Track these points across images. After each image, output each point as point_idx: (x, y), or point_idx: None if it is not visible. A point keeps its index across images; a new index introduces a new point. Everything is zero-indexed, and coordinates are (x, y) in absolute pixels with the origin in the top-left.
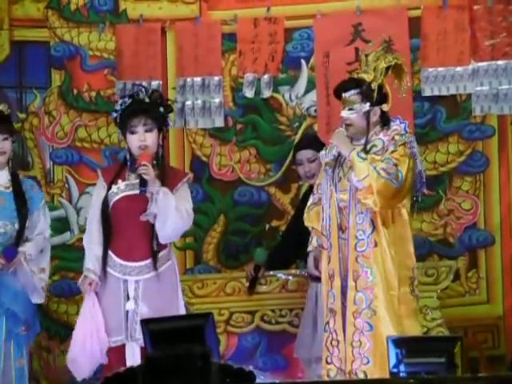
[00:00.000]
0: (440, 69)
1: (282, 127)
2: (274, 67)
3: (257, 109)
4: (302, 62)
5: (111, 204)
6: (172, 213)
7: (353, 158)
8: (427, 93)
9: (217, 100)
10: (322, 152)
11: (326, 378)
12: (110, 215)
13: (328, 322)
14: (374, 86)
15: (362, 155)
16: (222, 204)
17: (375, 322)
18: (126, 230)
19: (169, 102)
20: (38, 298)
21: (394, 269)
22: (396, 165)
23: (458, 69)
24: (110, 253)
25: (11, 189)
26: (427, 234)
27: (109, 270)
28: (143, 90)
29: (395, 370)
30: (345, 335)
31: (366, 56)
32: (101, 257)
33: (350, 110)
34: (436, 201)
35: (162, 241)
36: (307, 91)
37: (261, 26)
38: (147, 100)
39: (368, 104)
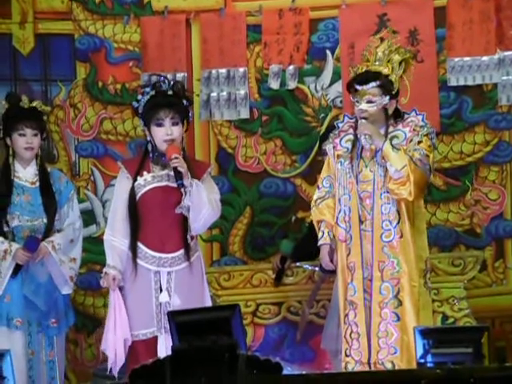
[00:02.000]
0: (466, 58)
1: (307, 118)
2: (299, 58)
3: (282, 100)
4: (328, 52)
5: (138, 196)
6: (205, 204)
7: (387, 148)
8: (453, 83)
9: (242, 92)
10: (330, 145)
11: (344, 371)
12: (137, 207)
13: (347, 315)
14: (394, 78)
15: (396, 145)
16: (248, 196)
17: (401, 312)
18: (157, 222)
19: (189, 94)
20: (67, 289)
21: (415, 261)
22: (427, 155)
23: (484, 58)
24: (139, 244)
25: (38, 184)
26: (454, 225)
27: (139, 261)
28: (166, 81)
29: (422, 361)
30: (370, 327)
31: (376, 48)
32: (125, 250)
33: (369, 102)
34: (462, 191)
35: (194, 232)
36: (332, 82)
37: (286, 17)
38: (170, 92)
39: (388, 97)
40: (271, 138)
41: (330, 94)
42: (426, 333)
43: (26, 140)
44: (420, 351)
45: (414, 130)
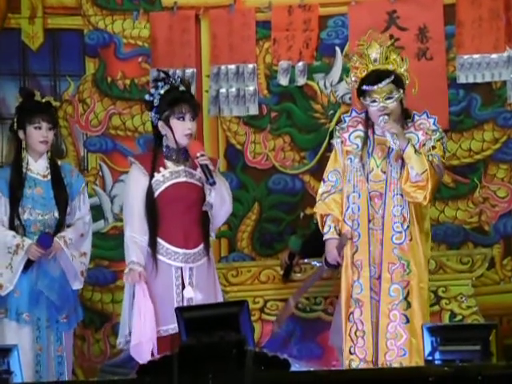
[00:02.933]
0: (475, 56)
1: (316, 115)
2: (308, 55)
3: (291, 96)
4: (337, 49)
5: (158, 192)
6: (226, 200)
7: (410, 151)
8: (462, 80)
9: (251, 88)
10: (337, 139)
11: (352, 368)
12: (156, 203)
13: (352, 313)
14: (403, 71)
15: (417, 149)
16: (257, 192)
17: (410, 314)
18: (179, 218)
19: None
20: (78, 284)
21: (424, 262)
22: (443, 163)
23: (493, 56)
24: (159, 240)
25: (49, 177)
26: (462, 222)
27: (160, 257)
28: (176, 77)
29: (430, 358)
30: (377, 326)
31: (367, 50)
32: (145, 247)
33: (388, 99)
34: (471, 189)
35: (215, 227)
36: (342, 79)
37: (295, 14)
38: (182, 88)
39: (401, 90)
40: (280, 135)
41: (338, 90)
42: (433, 330)
43: (41, 133)
44: (428, 348)
45: (426, 133)
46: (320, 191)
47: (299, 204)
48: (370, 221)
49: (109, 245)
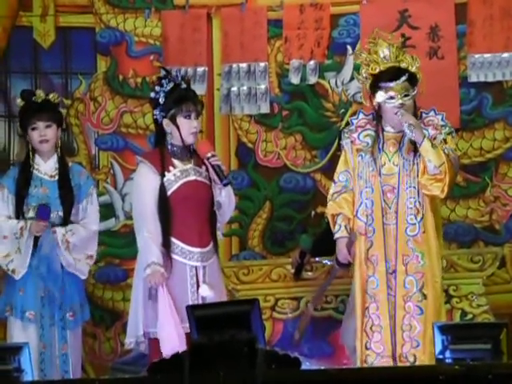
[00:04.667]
0: (486, 55)
1: (327, 113)
2: (319, 53)
3: (303, 95)
4: (348, 48)
5: (170, 192)
6: (233, 199)
7: (427, 144)
8: (473, 79)
9: (262, 86)
10: (347, 140)
11: (364, 364)
12: (169, 203)
13: (368, 308)
14: (415, 69)
15: (433, 141)
16: (268, 190)
17: (425, 305)
18: (192, 217)
19: None
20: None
21: (437, 257)
22: (458, 156)
23: (505, 55)
24: (173, 240)
25: (57, 177)
26: (473, 221)
27: (175, 256)
28: (177, 75)
29: (441, 357)
30: (394, 320)
31: (375, 48)
32: (161, 247)
33: (405, 96)
34: (482, 187)
35: (221, 225)
36: (353, 77)
37: (307, 12)
38: (184, 86)
39: (416, 88)
40: (291, 133)
41: (350, 89)
42: (444, 329)
43: (38, 133)
44: (439, 347)
45: (436, 128)
46: (331, 192)
47: (310, 202)
48: (383, 215)
49: (120, 243)
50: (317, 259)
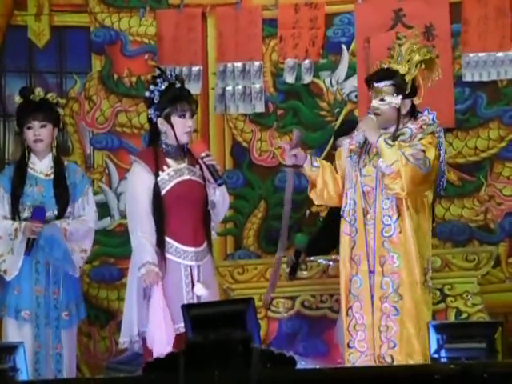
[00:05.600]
0: (481, 54)
1: (322, 113)
2: (314, 52)
3: (297, 94)
4: (343, 47)
5: (164, 191)
6: (227, 198)
7: (380, 144)
8: (468, 78)
9: (257, 85)
10: (347, 140)
11: (347, 363)
12: (163, 202)
13: (351, 307)
14: (408, 79)
15: (390, 142)
16: (263, 190)
17: (401, 306)
18: (186, 216)
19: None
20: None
21: (416, 257)
22: (424, 151)
23: (499, 54)
24: (167, 239)
25: (52, 176)
26: (468, 220)
27: (169, 256)
28: (171, 74)
29: (436, 356)
30: (373, 320)
31: (400, 46)
32: (155, 247)
33: (381, 100)
34: (477, 187)
35: (215, 224)
36: (348, 76)
37: (301, 12)
38: (178, 85)
39: (400, 97)
40: (286, 132)
41: (345, 88)
42: (439, 328)
43: (33, 132)
44: (434, 346)
45: (421, 127)
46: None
47: (305, 202)
48: (365, 215)
49: (115, 242)
50: (312, 258)
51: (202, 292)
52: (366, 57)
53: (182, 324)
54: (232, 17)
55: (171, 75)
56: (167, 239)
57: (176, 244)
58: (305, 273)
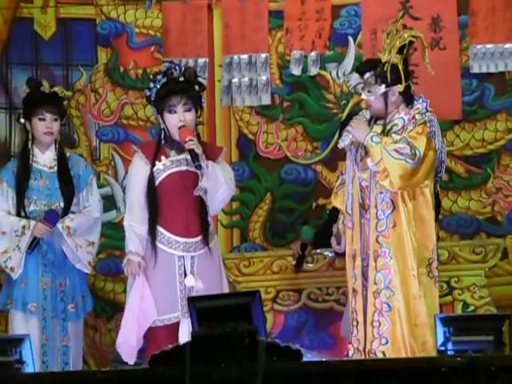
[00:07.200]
0: (488, 46)
1: (329, 105)
2: (321, 44)
3: (304, 86)
4: (350, 38)
5: (158, 181)
6: (222, 184)
7: (367, 143)
8: (475, 70)
9: (264, 77)
10: (351, 133)
11: (367, 358)
12: (156, 192)
13: (352, 302)
14: (387, 66)
15: (376, 139)
16: (269, 182)
17: (393, 302)
18: (180, 207)
19: (201, 80)
20: (82, 268)
21: (413, 249)
22: (410, 143)
23: (507, 45)
24: (160, 229)
25: (56, 169)
26: (475, 212)
27: (160, 246)
28: (177, 68)
29: (443, 349)
30: (365, 315)
31: (388, 35)
32: (145, 236)
33: (368, 92)
34: (484, 179)
35: (212, 212)
36: (354, 68)
37: (308, 3)
38: (182, 79)
39: (383, 85)
40: (292, 125)
41: (351, 80)
42: (446, 321)
43: (45, 125)
44: (440, 339)
45: (414, 117)
46: (336, 184)
47: (311, 194)
48: (365, 210)
49: (121, 235)
50: (318, 251)
51: (191, 283)
52: (373, 49)
53: (176, 314)
54: (238, 9)
55: (175, 69)
56: (160, 229)
57: (168, 234)
58: (311, 265)
